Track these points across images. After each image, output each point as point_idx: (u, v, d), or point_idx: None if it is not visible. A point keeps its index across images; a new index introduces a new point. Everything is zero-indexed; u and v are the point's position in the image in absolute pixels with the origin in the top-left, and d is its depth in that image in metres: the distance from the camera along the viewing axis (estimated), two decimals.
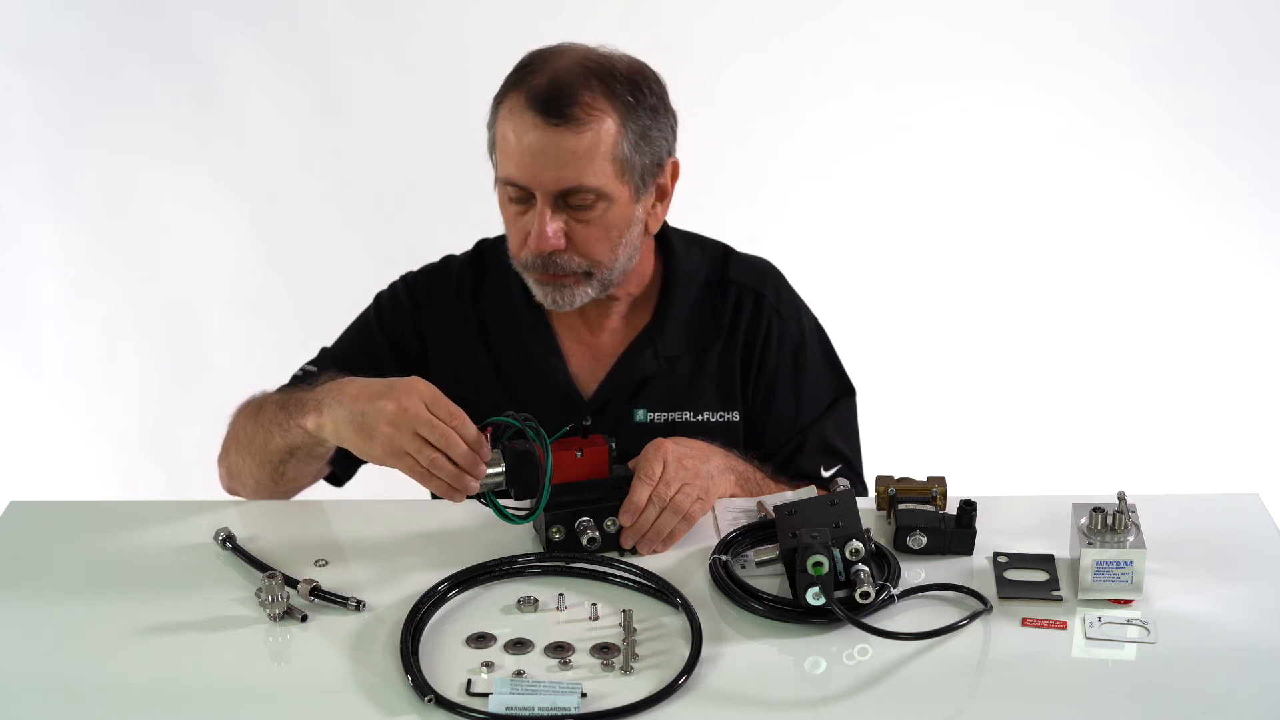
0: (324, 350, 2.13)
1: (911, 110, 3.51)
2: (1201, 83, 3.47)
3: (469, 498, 1.74)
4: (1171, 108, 3.49)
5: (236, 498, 2.03)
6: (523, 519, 1.75)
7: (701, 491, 1.82)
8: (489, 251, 2.14)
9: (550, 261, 1.93)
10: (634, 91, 1.93)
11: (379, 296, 2.15)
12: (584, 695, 1.50)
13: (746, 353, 2.09)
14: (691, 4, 3.46)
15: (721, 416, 2.07)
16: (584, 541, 1.77)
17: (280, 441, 1.90)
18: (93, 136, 3.52)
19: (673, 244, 2.10)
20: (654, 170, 1.97)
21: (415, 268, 2.16)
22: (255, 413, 1.97)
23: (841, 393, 2.15)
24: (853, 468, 2.12)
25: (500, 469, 1.72)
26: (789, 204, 3.59)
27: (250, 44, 3.46)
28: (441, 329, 2.10)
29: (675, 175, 2.02)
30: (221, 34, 3.45)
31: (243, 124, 3.52)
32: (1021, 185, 3.57)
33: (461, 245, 2.18)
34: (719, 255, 2.14)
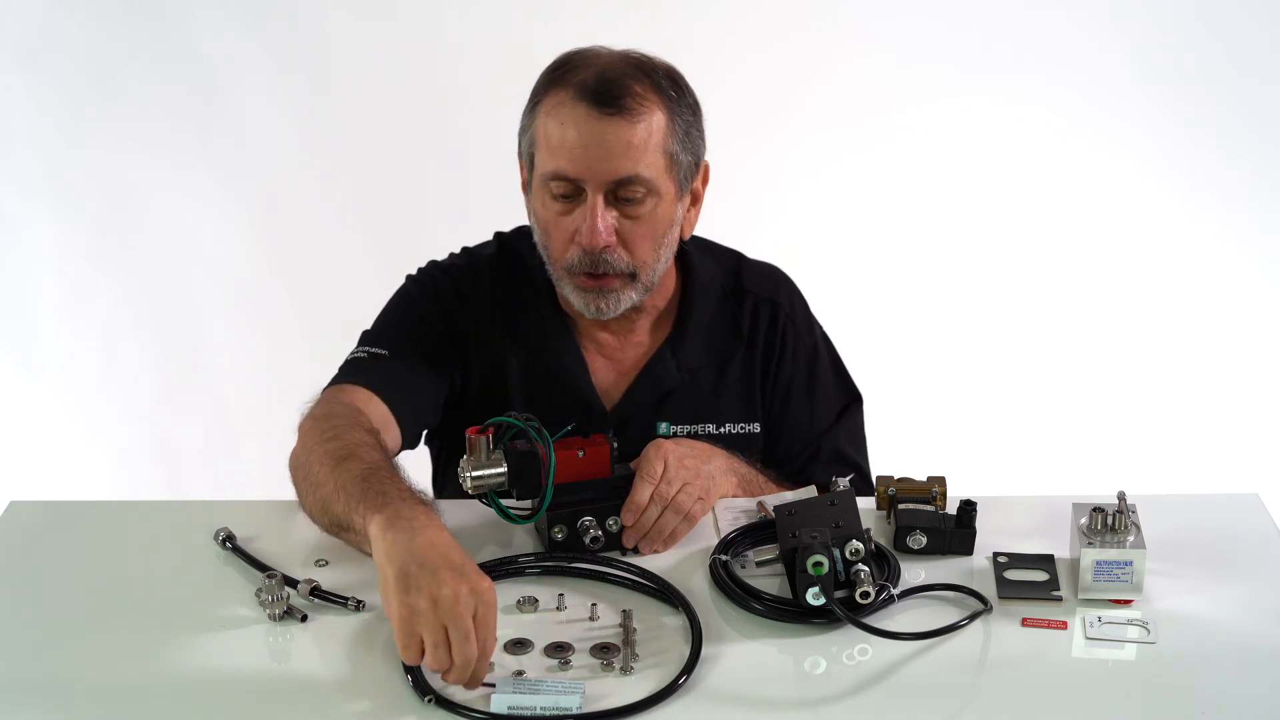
0: (366, 334, 2.07)
1: (912, 110, 3.51)
2: (1202, 83, 3.47)
3: (471, 497, 1.74)
4: (1171, 108, 3.49)
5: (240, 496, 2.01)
6: (525, 519, 1.75)
7: (703, 491, 1.82)
8: (512, 249, 2.09)
9: (600, 260, 1.90)
10: (675, 88, 1.92)
11: (414, 277, 2.10)
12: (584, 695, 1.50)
13: (765, 362, 2.08)
14: (691, 4, 3.46)
15: (743, 428, 2.07)
16: (586, 541, 1.77)
17: (339, 511, 1.71)
18: (93, 136, 3.52)
19: (689, 254, 2.09)
20: (693, 170, 1.95)
21: (423, 264, 2.11)
22: (339, 460, 1.75)
23: (850, 400, 2.15)
24: (864, 475, 2.12)
25: (502, 469, 1.72)
26: (789, 205, 3.59)
27: (250, 44, 3.46)
28: (475, 323, 2.06)
29: (707, 179, 2.01)
30: (221, 34, 3.45)
31: (242, 124, 3.52)
32: (1022, 186, 3.57)
33: (461, 245, 2.17)
34: (732, 264, 2.13)
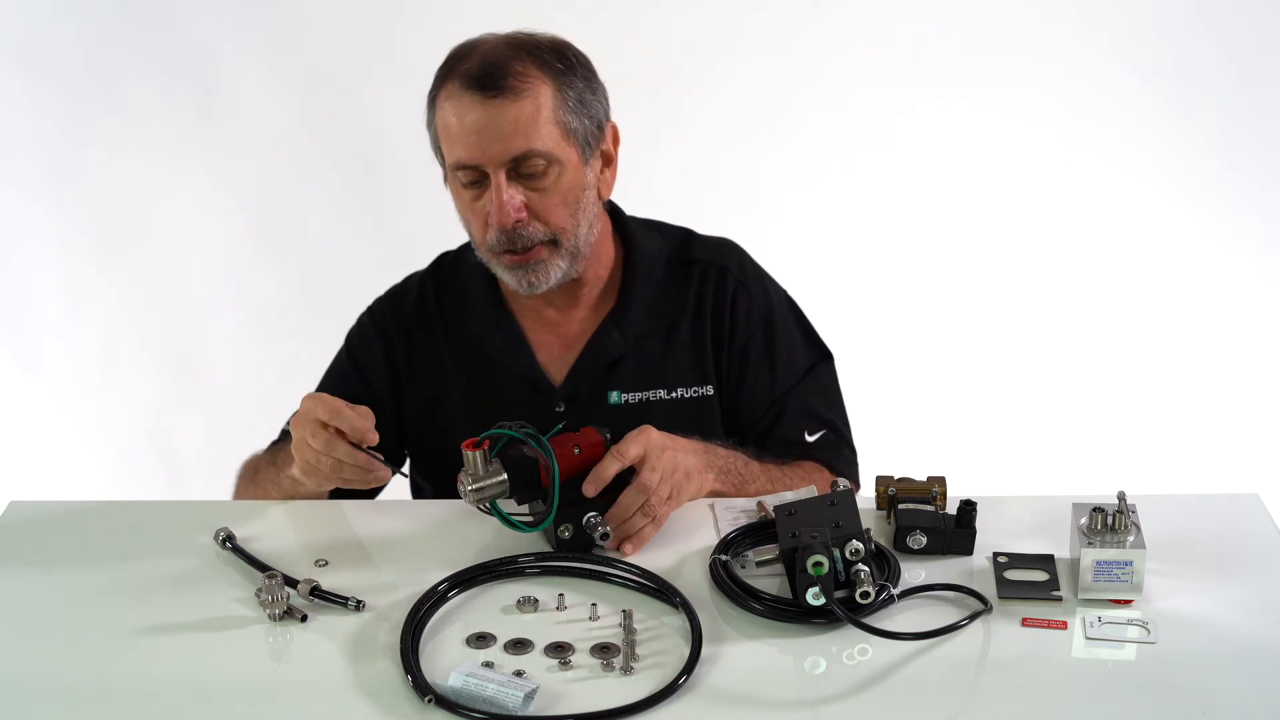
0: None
1: (913, 111, 3.51)
2: (1202, 84, 3.47)
3: (479, 509, 1.74)
4: (1172, 109, 3.49)
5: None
6: (531, 527, 1.75)
7: (673, 490, 1.83)
8: (448, 262, 2.17)
9: (516, 235, 1.94)
10: (561, 59, 1.96)
11: (349, 335, 2.18)
12: (533, 694, 1.49)
13: (716, 325, 2.10)
14: (693, 7, 3.46)
15: (695, 391, 2.08)
16: (596, 537, 1.76)
17: (277, 496, 1.96)
18: (93, 137, 3.53)
19: (631, 231, 2.13)
20: (596, 134, 2.00)
21: (362, 311, 2.18)
22: (252, 477, 2.04)
23: (819, 358, 2.16)
24: (837, 431, 2.13)
25: (502, 477, 1.71)
26: (789, 205, 3.59)
27: (250, 46, 3.46)
28: (409, 349, 2.12)
29: (616, 140, 2.05)
30: (221, 36, 3.45)
31: (242, 125, 3.53)
32: (1022, 187, 3.57)
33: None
34: (681, 238, 2.16)
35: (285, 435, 2.07)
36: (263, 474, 2.01)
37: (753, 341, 2.11)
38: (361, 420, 1.80)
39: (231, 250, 3.60)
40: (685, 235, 2.16)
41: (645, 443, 1.81)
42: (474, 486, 1.71)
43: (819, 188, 3.59)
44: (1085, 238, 3.59)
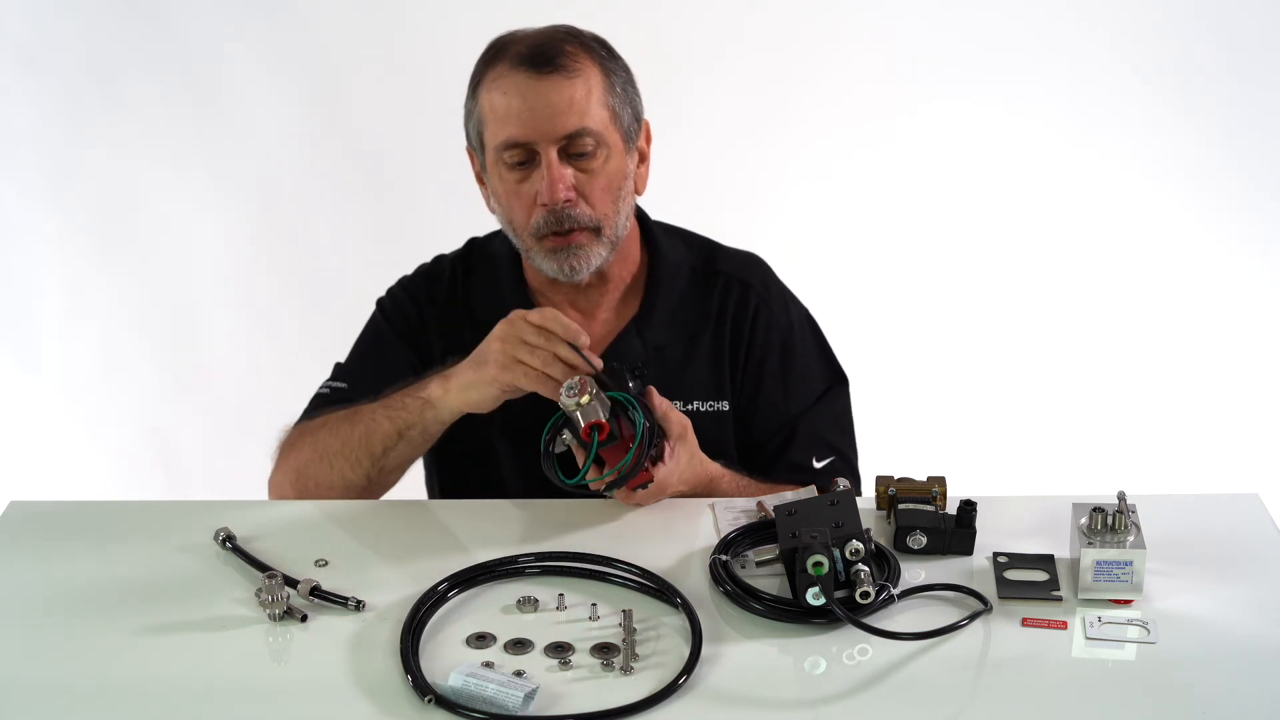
0: (339, 366, 2.13)
1: (913, 112, 3.51)
2: (1202, 84, 3.47)
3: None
4: (1172, 109, 3.49)
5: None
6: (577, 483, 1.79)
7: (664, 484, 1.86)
8: (478, 247, 2.16)
9: (564, 216, 1.95)
10: (605, 50, 1.99)
11: (380, 302, 2.16)
12: (533, 694, 1.49)
13: (734, 341, 2.09)
14: (693, 7, 3.46)
15: (711, 406, 2.08)
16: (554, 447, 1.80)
17: (388, 427, 1.92)
18: (93, 137, 3.53)
19: (656, 235, 2.12)
20: (635, 126, 2.01)
21: (393, 284, 2.17)
22: (348, 418, 1.96)
23: (834, 382, 2.15)
24: (846, 459, 2.12)
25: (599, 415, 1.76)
26: (789, 205, 3.59)
27: (251, 45, 3.47)
28: (439, 326, 2.11)
29: (649, 138, 2.06)
30: (222, 35, 3.45)
31: (243, 125, 3.53)
32: (1022, 186, 3.57)
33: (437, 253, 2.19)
34: (706, 249, 2.16)
35: (321, 399, 2.06)
36: (366, 414, 1.94)
37: (769, 359, 2.10)
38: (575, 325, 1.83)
39: (231, 250, 3.60)
40: (710, 246, 2.16)
41: (687, 424, 1.87)
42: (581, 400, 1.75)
43: (819, 188, 3.59)
44: (1085, 238, 3.60)
